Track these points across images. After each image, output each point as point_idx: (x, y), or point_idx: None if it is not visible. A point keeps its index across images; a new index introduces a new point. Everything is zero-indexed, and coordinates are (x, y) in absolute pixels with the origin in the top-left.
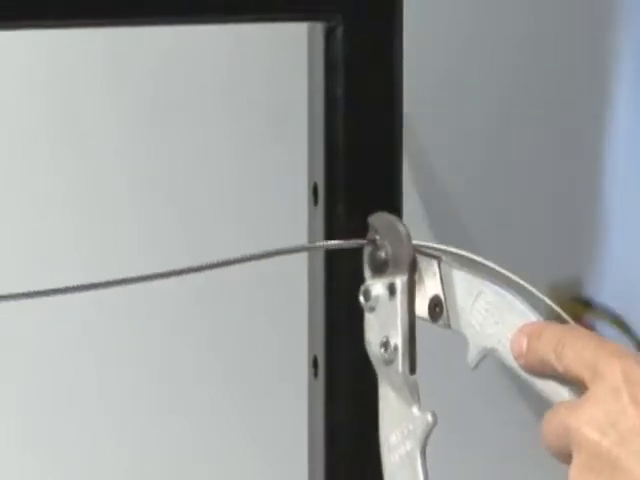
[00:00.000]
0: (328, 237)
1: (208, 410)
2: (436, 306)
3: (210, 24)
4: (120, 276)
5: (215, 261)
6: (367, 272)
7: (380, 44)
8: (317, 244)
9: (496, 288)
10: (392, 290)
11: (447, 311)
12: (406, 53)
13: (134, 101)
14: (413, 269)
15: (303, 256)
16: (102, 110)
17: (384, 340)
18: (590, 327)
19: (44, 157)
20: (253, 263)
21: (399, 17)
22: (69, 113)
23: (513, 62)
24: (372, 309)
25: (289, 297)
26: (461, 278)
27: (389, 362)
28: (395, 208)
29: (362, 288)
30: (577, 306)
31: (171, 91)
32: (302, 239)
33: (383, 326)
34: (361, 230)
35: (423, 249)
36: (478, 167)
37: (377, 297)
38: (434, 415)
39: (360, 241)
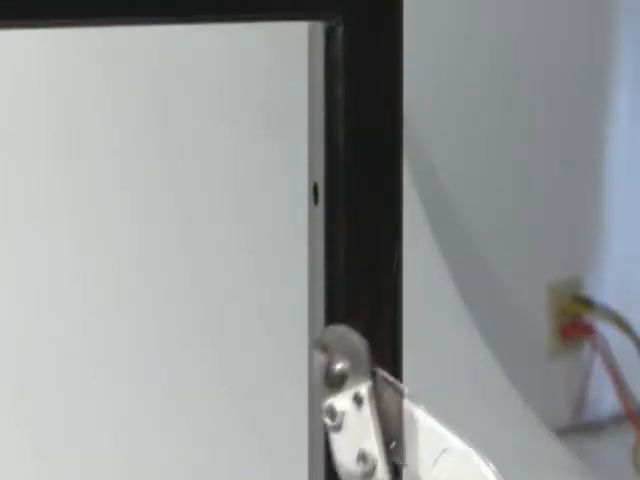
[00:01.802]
0: (328, 237)
1: (208, 410)
2: (392, 441)
3: (210, 24)
4: (118, 275)
5: None
6: (326, 391)
7: (380, 44)
8: None
9: (462, 448)
10: (359, 400)
11: (404, 454)
12: (406, 53)
13: (134, 101)
14: (375, 374)
15: (303, 254)
16: (102, 110)
17: (360, 454)
18: (590, 327)
19: (44, 157)
20: (251, 260)
21: (399, 17)
22: (69, 113)
23: (513, 62)
24: (339, 428)
25: (289, 296)
26: (425, 427)
27: (370, 475)
28: (395, 208)
29: (325, 408)
30: (577, 306)
31: (171, 91)
32: (302, 239)
33: (356, 440)
34: (361, 230)
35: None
36: (478, 167)
37: (343, 412)
38: None
39: (317, 364)
